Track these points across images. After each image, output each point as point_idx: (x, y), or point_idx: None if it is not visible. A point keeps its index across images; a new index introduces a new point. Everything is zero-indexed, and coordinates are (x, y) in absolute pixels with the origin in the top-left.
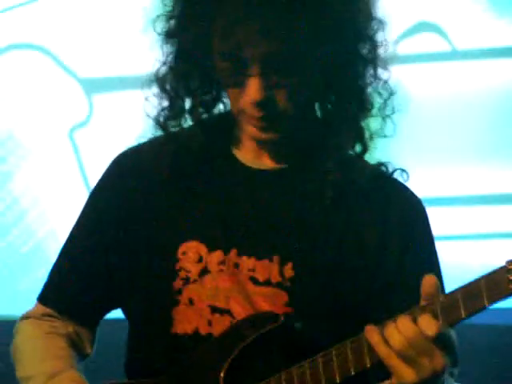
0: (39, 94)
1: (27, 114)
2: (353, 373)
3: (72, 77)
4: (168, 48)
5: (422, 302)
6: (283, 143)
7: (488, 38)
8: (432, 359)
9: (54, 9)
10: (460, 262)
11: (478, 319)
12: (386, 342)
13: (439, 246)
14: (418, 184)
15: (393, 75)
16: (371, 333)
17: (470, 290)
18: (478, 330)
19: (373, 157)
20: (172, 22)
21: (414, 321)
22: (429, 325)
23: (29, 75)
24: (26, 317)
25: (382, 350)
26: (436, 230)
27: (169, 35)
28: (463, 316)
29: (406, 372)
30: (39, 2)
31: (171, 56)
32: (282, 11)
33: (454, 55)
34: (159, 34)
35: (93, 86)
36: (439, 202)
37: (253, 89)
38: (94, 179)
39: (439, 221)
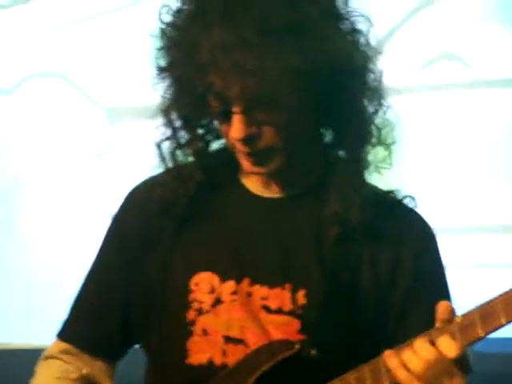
0: (61, 123)
1: (49, 142)
2: None
3: (95, 105)
4: (166, 81)
5: (437, 326)
6: (289, 173)
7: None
8: (451, 380)
9: (76, 38)
10: (469, 290)
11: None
12: (405, 366)
13: (450, 273)
14: (430, 213)
15: (400, 104)
16: (390, 357)
17: (487, 309)
18: (489, 357)
19: (386, 183)
20: (165, 57)
21: (432, 343)
22: (449, 346)
23: (50, 104)
24: (45, 356)
25: (401, 375)
26: (446, 258)
27: (163, 70)
28: (481, 335)
29: None
30: (61, 31)
31: (169, 89)
32: (254, 50)
33: (476, 84)
34: (157, 69)
35: (115, 115)
36: (451, 231)
37: (236, 126)
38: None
39: (449, 249)
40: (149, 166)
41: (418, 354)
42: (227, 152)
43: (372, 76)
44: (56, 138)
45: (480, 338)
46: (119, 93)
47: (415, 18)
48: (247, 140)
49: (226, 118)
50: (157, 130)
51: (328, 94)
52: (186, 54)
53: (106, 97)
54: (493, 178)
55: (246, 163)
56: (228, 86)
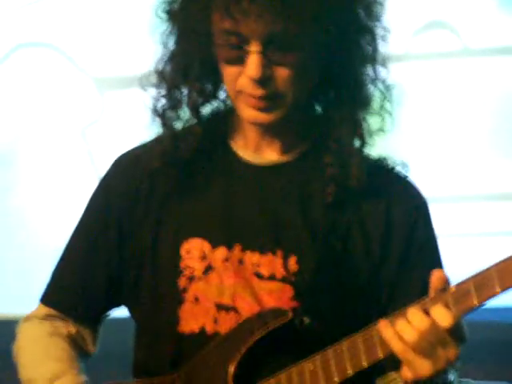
0: (52, 92)
1: (40, 112)
2: (366, 365)
3: (85, 75)
4: (169, 35)
5: (431, 295)
6: (283, 136)
7: (499, 35)
8: (446, 349)
9: (66, 8)
10: (462, 258)
11: (494, 316)
12: (400, 336)
13: (442, 242)
14: (422, 181)
15: (392, 72)
16: (384, 327)
17: (482, 278)
18: (493, 327)
19: (378, 152)
20: (174, 4)
21: (426, 312)
22: (443, 316)
23: (40, 73)
24: (27, 318)
25: (396, 345)
26: (438, 227)
27: (170, 16)
28: (476, 304)
29: (423, 365)
30: (50, 1)
31: (172, 40)
32: None
33: (466, 53)
34: (161, 18)
35: (105, 84)
36: (443, 199)
37: (253, 66)
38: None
39: (442, 218)
40: (140, 134)
41: (411, 323)
42: (216, 119)
43: (378, 40)
44: (46, 108)
45: (474, 307)
46: (109, 62)
47: None
48: (262, 81)
49: (239, 58)
50: (146, 91)
51: (339, 48)
52: None
53: (96, 66)
54: (484, 146)
55: (249, 111)
56: (256, 21)
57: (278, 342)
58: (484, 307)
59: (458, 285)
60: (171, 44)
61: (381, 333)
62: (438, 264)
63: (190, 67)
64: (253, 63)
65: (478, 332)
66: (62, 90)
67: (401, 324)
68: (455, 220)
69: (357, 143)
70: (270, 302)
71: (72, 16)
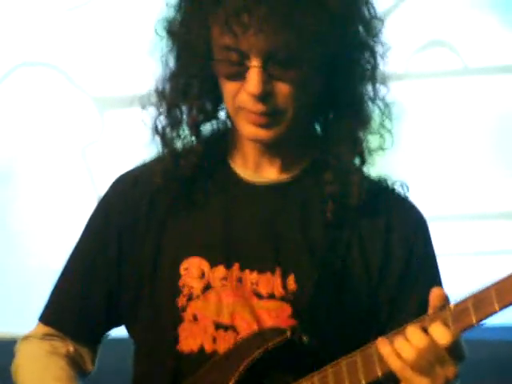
0: (52, 112)
1: (39, 131)
2: (364, 383)
3: (85, 94)
4: (169, 53)
5: (430, 313)
6: (283, 155)
7: (500, 54)
8: (444, 367)
9: (65, 27)
10: (462, 277)
11: (495, 335)
12: (398, 354)
13: (441, 261)
14: (422, 200)
15: (392, 91)
16: (383, 345)
17: (481, 296)
18: (488, 345)
19: (379, 171)
20: (173, 22)
21: (425, 330)
22: (442, 334)
23: (40, 92)
24: (26, 337)
25: (394, 363)
26: (438, 246)
27: (170, 34)
28: (474, 322)
29: (421, 383)
30: (51, 21)
31: (171, 58)
32: (285, 3)
33: (466, 71)
34: (161, 37)
35: (104, 104)
36: (442, 218)
37: (253, 82)
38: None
39: (442, 237)
40: (140, 154)
41: (410, 341)
42: (216, 138)
43: (378, 58)
44: (46, 127)
45: (473, 326)
46: (108, 82)
47: (404, 5)
48: (262, 97)
49: (239, 74)
50: (146, 110)
51: (339, 65)
52: (200, 9)
53: (96, 86)
54: (484, 164)
55: (249, 128)
56: (256, 36)
57: (277, 360)
58: (484, 325)
59: (457, 303)
60: (171, 62)
61: (379, 350)
62: (437, 283)
63: (189, 85)
64: (253, 79)
65: (478, 350)
66: (62, 110)
67: (399, 342)
68: (455, 239)
69: (357, 161)
70: (268, 321)
71: (72, 35)
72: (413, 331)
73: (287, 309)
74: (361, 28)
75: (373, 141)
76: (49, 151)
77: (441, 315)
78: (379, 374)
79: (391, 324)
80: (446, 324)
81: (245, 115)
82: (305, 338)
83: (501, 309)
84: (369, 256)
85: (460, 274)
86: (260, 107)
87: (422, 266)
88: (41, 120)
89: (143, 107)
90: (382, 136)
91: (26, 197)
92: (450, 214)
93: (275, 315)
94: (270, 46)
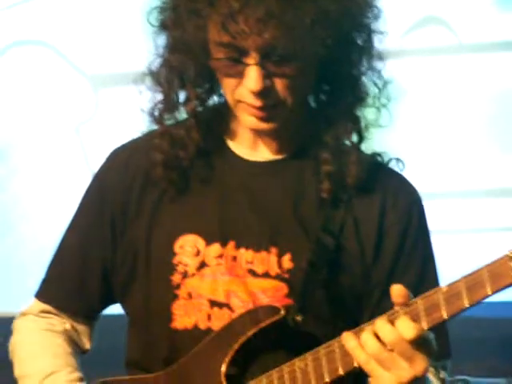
0: (46, 90)
1: (34, 109)
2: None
3: (79, 73)
4: (163, 40)
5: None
6: (279, 134)
7: (494, 31)
8: (412, 363)
9: (59, 5)
10: (457, 255)
11: (491, 312)
12: (363, 346)
13: (436, 239)
14: (417, 177)
15: (388, 66)
16: (347, 338)
17: (473, 279)
18: (490, 322)
19: (373, 148)
20: (166, 14)
21: (392, 324)
22: (408, 328)
23: (34, 71)
24: (23, 314)
25: (358, 355)
26: (433, 223)
27: (163, 27)
28: (466, 305)
29: (384, 376)
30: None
31: (166, 49)
32: (283, 1)
33: (461, 48)
34: (153, 26)
35: (99, 82)
36: (438, 195)
37: (252, 78)
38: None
39: (437, 214)
40: (134, 131)
41: (376, 333)
42: (213, 116)
43: (374, 35)
44: (40, 105)
45: (465, 309)
46: (103, 60)
47: None
48: (262, 92)
49: (237, 70)
50: (142, 94)
51: (335, 47)
52: (197, 8)
53: (90, 64)
54: (480, 141)
55: (250, 119)
56: (255, 35)
57: (271, 339)
58: (483, 303)
59: (450, 285)
60: (165, 51)
61: (344, 343)
62: (430, 264)
63: (185, 75)
64: (252, 76)
65: (477, 328)
66: (56, 88)
67: (365, 335)
68: (451, 216)
69: (354, 138)
70: (264, 300)
71: (65, 13)
72: (379, 324)
73: (283, 288)
74: (356, 12)
75: (369, 116)
76: (43, 129)
77: (411, 309)
78: (340, 370)
79: (382, 308)
80: (413, 318)
81: (245, 108)
82: (298, 317)
83: (493, 293)
84: (363, 236)
85: (457, 252)
86: (260, 102)
87: (415, 248)
88: (35, 98)
89: (138, 88)
90: (378, 112)
91: (21, 175)
92: (446, 191)
93: (271, 294)
94: (267, 44)
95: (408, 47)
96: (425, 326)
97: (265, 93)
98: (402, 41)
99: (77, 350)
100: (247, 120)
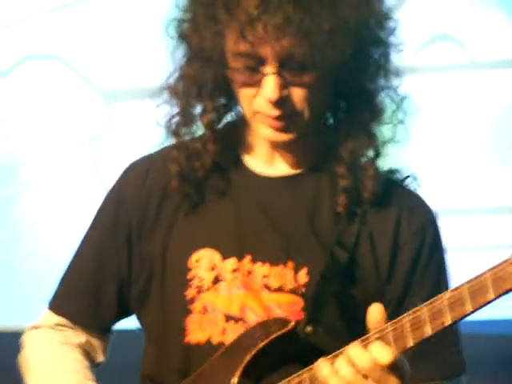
0: (58, 104)
1: (46, 124)
2: None
3: (91, 87)
4: (180, 52)
5: (371, 330)
6: (296, 148)
7: (506, 49)
8: None
9: (72, 19)
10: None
11: (491, 330)
12: (336, 372)
13: (450, 256)
14: (431, 194)
15: (405, 83)
16: (321, 366)
17: (476, 284)
18: (490, 340)
19: (386, 164)
20: (185, 25)
21: (366, 348)
22: (382, 352)
23: (46, 85)
24: (35, 327)
25: (332, 382)
26: (447, 240)
27: (182, 38)
28: (470, 310)
29: None
30: (58, 13)
31: (183, 60)
32: (301, 8)
33: (472, 66)
34: (172, 38)
35: (111, 96)
36: (451, 212)
37: (270, 87)
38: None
39: (451, 231)
40: (146, 146)
41: (350, 359)
42: (228, 130)
43: (391, 50)
44: (53, 119)
45: (469, 313)
46: (115, 74)
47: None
48: (279, 102)
49: (255, 80)
50: (158, 108)
51: (353, 63)
52: (214, 15)
53: (102, 78)
54: (490, 159)
55: (266, 130)
56: (273, 43)
57: (282, 351)
58: (494, 320)
59: (454, 289)
60: (183, 63)
61: (318, 372)
62: (443, 283)
63: (203, 87)
64: (270, 85)
65: (486, 345)
66: (69, 102)
67: (340, 360)
68: (465, 233)
69: (370, 154)
70: (280, 314)
71: (78, 28)
72: (353, 348)
73: (299, 302)
74: (373, 24)
75: (386, 133)
76: (55, 144)
77: (384, 334)
78: None
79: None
80: (387, 343)
81: (262, 119)
82: (309, 329)
83: (496, 297)
84: (378, 251)
85: (469, 269)
86: (277, 112)
87: (428, 267)
88: (47, 112)
89: (155, 103)
90: (395, 128)
91: (34, 189)
92: (459, 208)
93: (286, 308)
94: (285, 53)
95: (420, 64)
96: (429, 331)
97: (282, 103)
98: (415, 58)
99: (92, 363)
100: (264, 131)
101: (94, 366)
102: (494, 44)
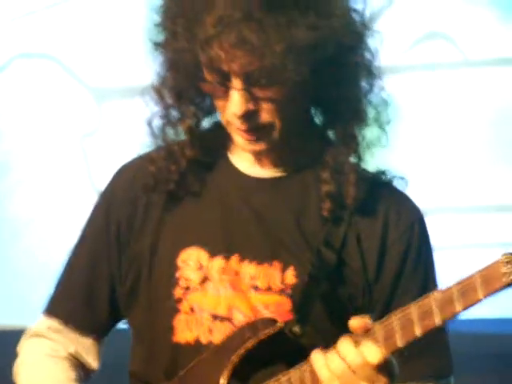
0: (49, 103)
1: (37, 122)
2: None
3: (83, 86)
4: (159, 58)
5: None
6: (277, 153)
7: (498, 47)
8: None
9: (63, 18)
10: (459, 271)
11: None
12: (328, 365)
13: (438, 255)
14: (421, 192)
15: (391, 84)
16: (316, 357)
17: (466, 284)
18: (486, 338)
19: (376, 164)
20: (160, 35)
21: (356, 346)
22: (371, 351)
23: (37, 83)
24: (31, 335)
25: (323, 374)
26: (435, 240)
27: (158, 46)
28: (459, 310)
29: None
30: (49, 11)
31: (163, 66)
32: (256, 29)
33: (465, 63)
34: (152, 44)
35: (102, 95)
36: (440, 210)
37: (234, 102)
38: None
39: (438, 230)
40: (137, 145)
41: (340, 354)
42: (216, 130)
43: (368, 54)
44: (43, 118)
45: (458, 313)
46: (106, 73)
47: None
48: (246, 116)
49: (224, 93)
50: (147, 107)
51: (326, 70)
52: (187, 27)
53: (93, 77)
54: (483, 157)
55: (240, 140)
56: (230, 61)
57: (270, 351)
58: (487, 319)
59: (444, 290)
60: (162, 69)
61: (312, 362)
62: (431, 283)
63: (181, 93)
64: (234, 100)
65: (478, 344)
66: (60, 101)
67: (331, 353)
68: (453, 232)
69: (354, 159)
70: (267, 315)
71: (69, 26)
72: (344, 344)
73: (287, 303)
74: (343, 29)
75: (371, 135)
76: (47, 142)
77: (374, 333)
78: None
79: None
80: (377, 342)
81: (234, 129)
82: (296, 329)
83: (485, 297)
84: (365, 251)
85: (457, 268)
86: (244, 126)
87: (417, 268)
88: (38, 111)
89: (144, 102)
90: (380, 130)
91: (25, 188)
92: (449, 206)
93: (274, 309)
94: (246, 69)
95: (412, 62)
96: (418, 332)
97: (250, 116)
98: (406, 56)
99: (81, 373)
100: (237, 140)
101: (87, 373)
102: (486, 42)
